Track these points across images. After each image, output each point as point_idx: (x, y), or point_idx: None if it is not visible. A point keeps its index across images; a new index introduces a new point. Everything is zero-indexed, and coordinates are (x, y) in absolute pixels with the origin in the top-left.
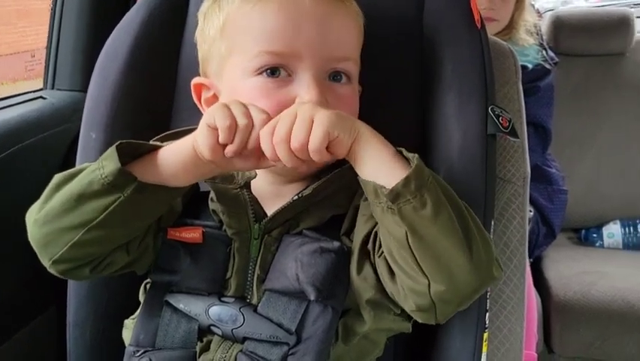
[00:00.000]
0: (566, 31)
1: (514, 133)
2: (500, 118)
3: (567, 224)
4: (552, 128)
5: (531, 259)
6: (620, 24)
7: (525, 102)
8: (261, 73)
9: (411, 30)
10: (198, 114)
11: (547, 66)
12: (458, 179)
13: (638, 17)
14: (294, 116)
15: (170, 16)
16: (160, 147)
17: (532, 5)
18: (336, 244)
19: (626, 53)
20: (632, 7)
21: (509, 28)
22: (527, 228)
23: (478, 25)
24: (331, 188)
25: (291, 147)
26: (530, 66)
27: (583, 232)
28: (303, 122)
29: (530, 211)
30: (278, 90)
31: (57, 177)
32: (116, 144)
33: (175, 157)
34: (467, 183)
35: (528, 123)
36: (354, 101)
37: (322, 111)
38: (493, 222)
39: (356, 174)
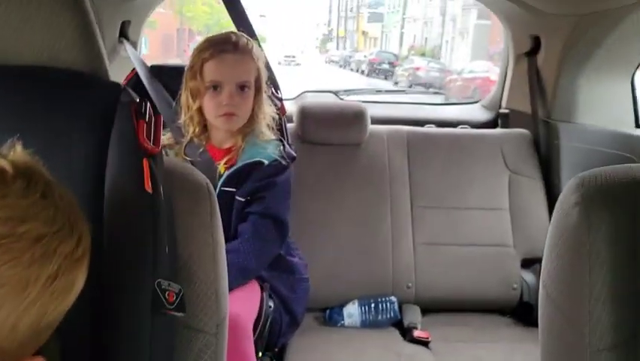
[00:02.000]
0: (310, 121)
1: (180, 307)
2: (167, 293)
3: (314, 304)
4: (289, 220)
5: (276, 349)
6: (354, 118)
7: (264, 196)
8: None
9: None
10: None
11: (284, 162)
12: None
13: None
14: None
15: None
16: None
17: (280, 99)
18: None
19: (362, 144)
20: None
21: (251, 122)
22: None
23: (149, 189)
24: None
25: None
26: (266, 162)
27: (328, 311)
28: None
29: (271, 307)
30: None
31: None
32: None
33: None
34: None
35: (268, 216)
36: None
37: None
38: None
39: None
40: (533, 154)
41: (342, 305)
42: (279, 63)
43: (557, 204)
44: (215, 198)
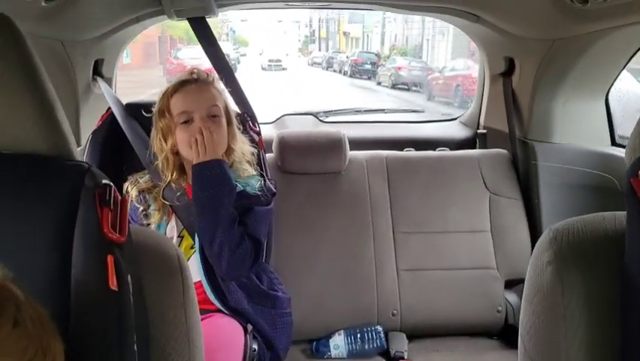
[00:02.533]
0: (289, 151)
1: None
2: None
3: (300, 336)
4: (265, 242)
5: None
6: (333, 146)
7: (244, 221)
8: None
9: None
10: None
11: (263, 199)
12: None
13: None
14: None
15: None
16: None
17: (258, 133)
18: None
19: (342, 172)
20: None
21: (228, 155)
22: None
23: (114, 286)
24: None
25: None
26: (250, 192)
27: (314, 343)
28: None
29: (255, 350)
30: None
31: None
32: None
33: None
34: None
35: (249, 236)
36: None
37: None
38: None
39: None
40: (512, 174)
41: (328, 336)
42: (263, 69)
43: (532, 259)
44: (188, 272)
